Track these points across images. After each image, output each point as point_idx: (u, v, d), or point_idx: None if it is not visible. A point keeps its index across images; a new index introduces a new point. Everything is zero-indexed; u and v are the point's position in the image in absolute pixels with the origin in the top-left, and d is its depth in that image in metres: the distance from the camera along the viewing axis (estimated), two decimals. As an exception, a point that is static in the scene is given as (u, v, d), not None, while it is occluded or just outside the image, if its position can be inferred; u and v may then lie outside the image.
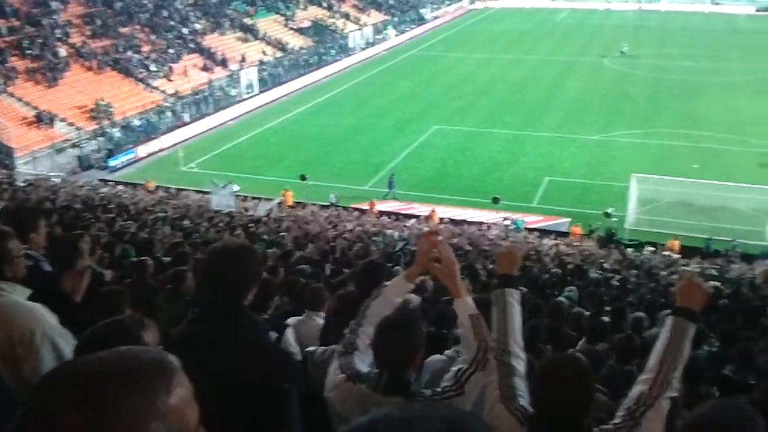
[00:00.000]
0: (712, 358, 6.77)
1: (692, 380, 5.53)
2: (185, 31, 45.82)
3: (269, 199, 23.12)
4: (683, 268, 16.91)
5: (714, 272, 16.80)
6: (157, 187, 26.50)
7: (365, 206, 25.39)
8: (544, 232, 23.64)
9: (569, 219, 24.48)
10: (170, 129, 35.44)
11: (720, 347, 7.11)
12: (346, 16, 60.92)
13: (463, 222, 24.16)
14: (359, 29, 58.82)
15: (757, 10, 74.39)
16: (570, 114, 37.46)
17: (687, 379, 5.67)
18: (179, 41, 44.21)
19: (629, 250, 20.91)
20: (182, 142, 34.36)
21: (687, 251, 21.41)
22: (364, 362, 2.79)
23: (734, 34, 61.44)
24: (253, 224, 16.53)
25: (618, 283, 13.12)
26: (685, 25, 65.94)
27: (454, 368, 2.74)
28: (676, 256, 20.61)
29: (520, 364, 2.73)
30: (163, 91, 38.22)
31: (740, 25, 66.54)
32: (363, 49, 56.30)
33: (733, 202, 24.05)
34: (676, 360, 2.57)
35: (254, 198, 24.10)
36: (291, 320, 5.16)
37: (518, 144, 33.00)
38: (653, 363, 2.61)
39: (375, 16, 64.67)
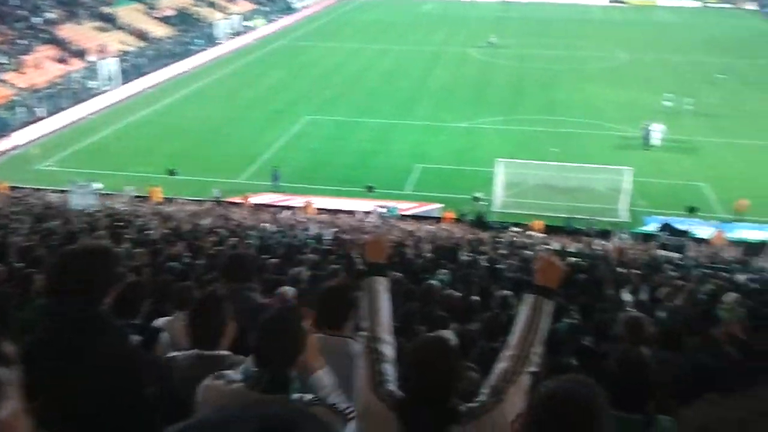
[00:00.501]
0: (572, 330, 7.17)
1: (554, 352, 5.87)
2: (37, 20, 42.74)
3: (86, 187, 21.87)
4: (545, 246, 17.83)
5: (573, 249, 17.86)
6: (13, 188, 24.63)
7: (239, 200, 24.88)
8: (418, 218, 24.20)
9: (442, 204, 25.19)
10: (24, 125, 32.95)
11: (580, 320, 7.56)
12: (212, 5, 59.15)
13: (337, 211, 24.25)
14: (226, 18, 57.30)
15: (611, 2, 79.80)
16: (439, 102, 38.51)
17: (549, 351, 6.03)
18: (30, 31, 41.17)
19: (496, 231, 21.83)
20: (38, 138, 32.10)
21: (550, 230, 22.66)
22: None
23: (589, 25, 65.47)
24: (119, 223, 15.72)
25: (487, 264, 13.61)
26: (544, 16, 69.44)
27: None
28: (540, 235, 21.72)
29: (388, 350, 2.76)
30: (14, 85, 35.46)
31: (595, 16, 71.00)
32: (230, 38, 54.92)
33: (590, 183, 25.66)
34: (535, 337, 2.67)
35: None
36: (159, 321, 4.96)
37: (389, 132, 33.52)
38: (514, 340, 2.70)
39: (243, 5, 63.25)
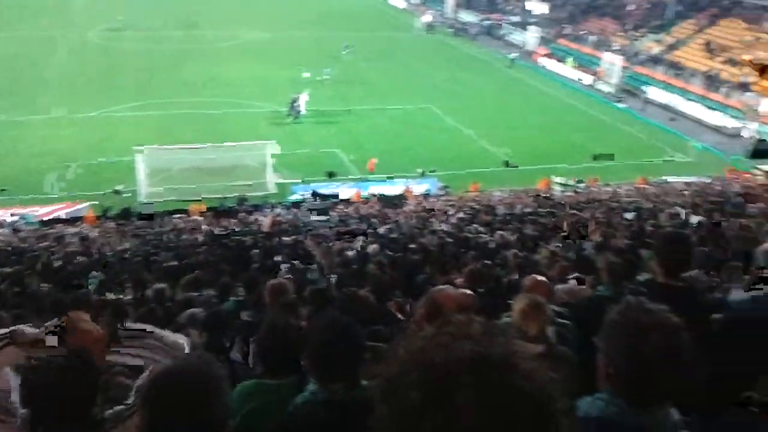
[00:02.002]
0: (238, 307, 7.15)
1: (218, 330, 5.75)
2: None
3: None
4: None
5: (236, 228, 17.93)
6: None
7: None
8: (64, 222, 21.85)
9: (88, 203, 23.12)
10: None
11: (245, 295, 7.59)
12: None
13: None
14: None
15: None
16: (63, 93, 34.94)
17: (210, 329, 5.88)
18: None
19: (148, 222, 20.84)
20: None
21: (210, 212, 22.38)
22: None
23: (211, 3, 65.05)
24: None
25: (141, 258, 12.89)
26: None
27: None
28: (200, 218, 21.29)
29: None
30: None
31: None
32: None
33: (237, 160, 25.89)
34: None
35: None
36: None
37: (13, 131, 29.44)
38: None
39: None
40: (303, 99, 32.92)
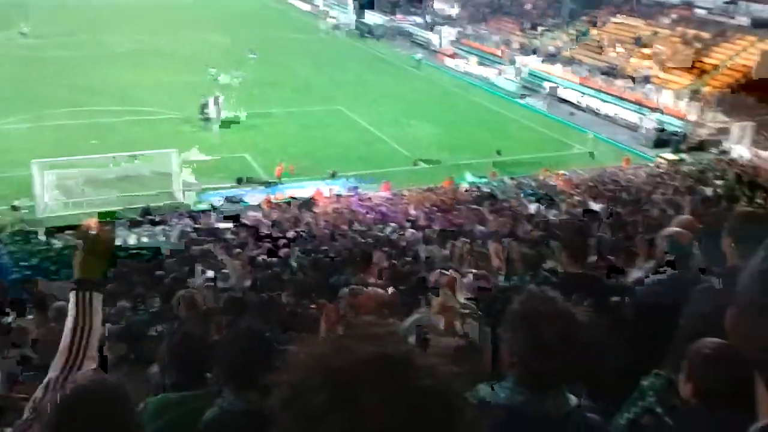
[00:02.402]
0: (153, 318, 6.95)
1: (134, 342, 5.57)
2: None
3: None
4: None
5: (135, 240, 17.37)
6: None
7: None
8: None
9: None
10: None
11: (159, 307, 7.38)
12: None
13: None
14: None
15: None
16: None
17: (127, 341, 5.70)
18: None
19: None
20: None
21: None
22: None
23: (109, 9, 62.63)
24: None
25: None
26: (53, 2, 63.58)
27: None
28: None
29: None
30: None
31: (104, 1, 67.48)
32: None
33: (138, 170, 25.02)
34: (89, 333, 2.37)
35: None
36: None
37: None
38: (63, 345, 2.37)
39: None
40: (213, 102, 32.34)
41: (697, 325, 2.67)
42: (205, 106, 32.21)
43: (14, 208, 21.62)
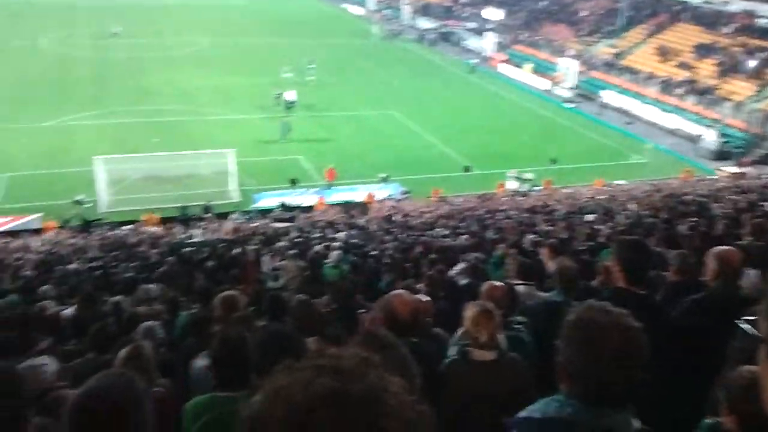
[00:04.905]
0: (193, 320, 7.07)
1: (182, 341, 5.69)
2: None
3: None
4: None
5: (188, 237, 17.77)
6: None
7: None
8: (13, 234, 21.38)
9: (41, 214, 22.64)
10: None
11: (199, 308, 7.50)
12: None
13: None
14: None
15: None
16: (12, 102, 34.21)
17: (174, 342, 5.83)
18: None
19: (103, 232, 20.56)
20: None
21: (166, 221, 22.16)
22: None
23: (166, 10, 64.41)
24: None
25: (101, 270, 12.69)
26: (115, 3, 65.36)
27: None
28: (156, 229, 21.07)
29: None
30: None
31: (169, 2, 69.47)
32: None
33: (196, 169, 25.65)
34: None
35: None
36: None
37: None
38: None
39: None
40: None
41: (734, 354, 2.58)
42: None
43: (77, 203, 22.30)
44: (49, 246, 18.21)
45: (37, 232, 21.73)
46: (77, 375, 4.75)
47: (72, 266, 13.17)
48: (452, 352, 3.70)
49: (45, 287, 9.73)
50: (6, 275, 12.50)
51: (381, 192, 26.23)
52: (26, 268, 13.44)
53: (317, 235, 16.50)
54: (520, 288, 5.95)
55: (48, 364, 3.57)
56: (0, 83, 37.40)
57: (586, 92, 41.39)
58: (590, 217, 15.77)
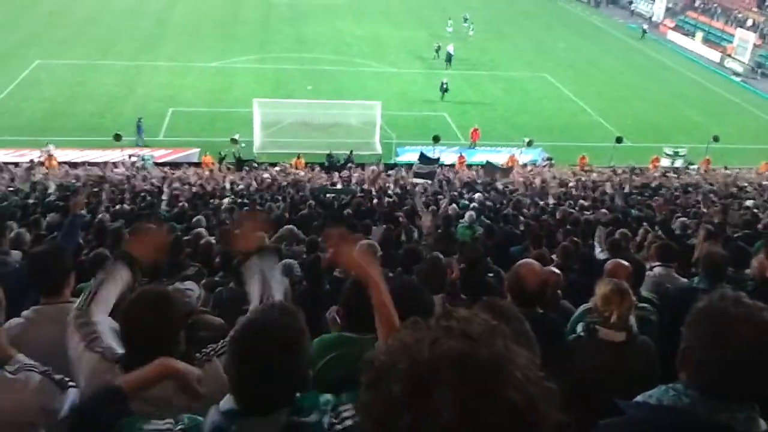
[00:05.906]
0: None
1: (314, 281, 6.00)
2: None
3: None
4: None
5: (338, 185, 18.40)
6: None
7: None
8: (173, 165, 23.15)
9: (198, 149, 24.30)
10: None
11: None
12: None
13: (84, 164, 22.33)
14: None
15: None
16: (185, 42, 36.56)
17: (309, 280, 6.15)
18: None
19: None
20: None
21: (310, 166, 23.06)
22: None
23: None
24: None
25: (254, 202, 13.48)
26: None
27: None
28: (301, 172, 21.96)
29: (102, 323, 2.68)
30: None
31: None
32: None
33: (344, 118, 26.36)
34: (272, 290, 2.75)
35: None
36: None
37: (134, 75, 31.22)
38: (255, 296, 2.76)
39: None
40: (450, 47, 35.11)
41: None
42: (439, 48, 35.71)
43: (233, 141, 23.63)
44: (203, 180, 19.50)
45: (194, 165, 23.34)
46: (217, 302, 5.18)
47: (225, 200, 14.08)
48: (579, 328, 3.63)
49: (198, 217, 10.44)
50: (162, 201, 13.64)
51: (523, 156, 25.70)
52: (182, 198, 14.52)
53: (454, 193, 16.52)
54: (658, 270, 5.69)
55: (193, 290, 3.83)
56: (177, 23, 39.99)
57: (763, 67, 37.83)
58: (750, 203, 14.67)
